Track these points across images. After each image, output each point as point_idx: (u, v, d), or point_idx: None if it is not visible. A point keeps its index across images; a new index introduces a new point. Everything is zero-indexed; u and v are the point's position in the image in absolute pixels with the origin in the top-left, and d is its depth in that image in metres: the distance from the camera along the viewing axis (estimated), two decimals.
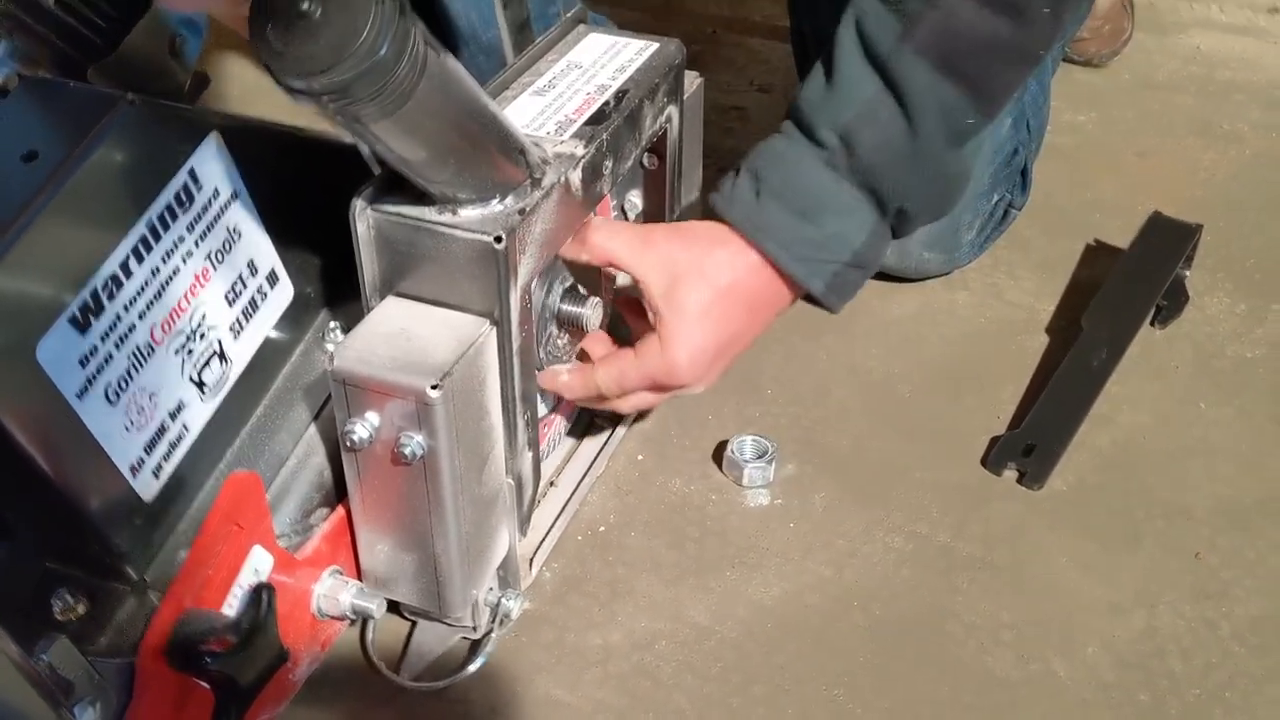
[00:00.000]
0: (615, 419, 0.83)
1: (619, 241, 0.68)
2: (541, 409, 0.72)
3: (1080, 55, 1.33)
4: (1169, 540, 0.79)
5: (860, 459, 0.85)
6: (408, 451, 0.58)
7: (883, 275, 0.98)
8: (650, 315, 0.69)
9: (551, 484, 0.79)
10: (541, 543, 0.75)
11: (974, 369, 0.93)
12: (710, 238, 0.70)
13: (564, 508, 0.78)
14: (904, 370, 0.93)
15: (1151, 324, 0.97)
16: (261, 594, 0.55)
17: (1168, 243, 0.99)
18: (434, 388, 0.56)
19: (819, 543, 0.79)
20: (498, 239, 0.58)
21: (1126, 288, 0.95)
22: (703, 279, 0.68)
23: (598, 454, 0.82)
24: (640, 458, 0.85)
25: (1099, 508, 0.81)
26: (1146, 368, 0.93)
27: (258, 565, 0.58)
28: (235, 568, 0.56)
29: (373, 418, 0.58)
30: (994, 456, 0.84)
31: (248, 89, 1.03)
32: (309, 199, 0.65)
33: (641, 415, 0.86)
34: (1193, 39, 1.42)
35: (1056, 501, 0.82)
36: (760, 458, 0.82)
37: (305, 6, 0.45)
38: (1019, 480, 0.83)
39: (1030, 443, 0.84)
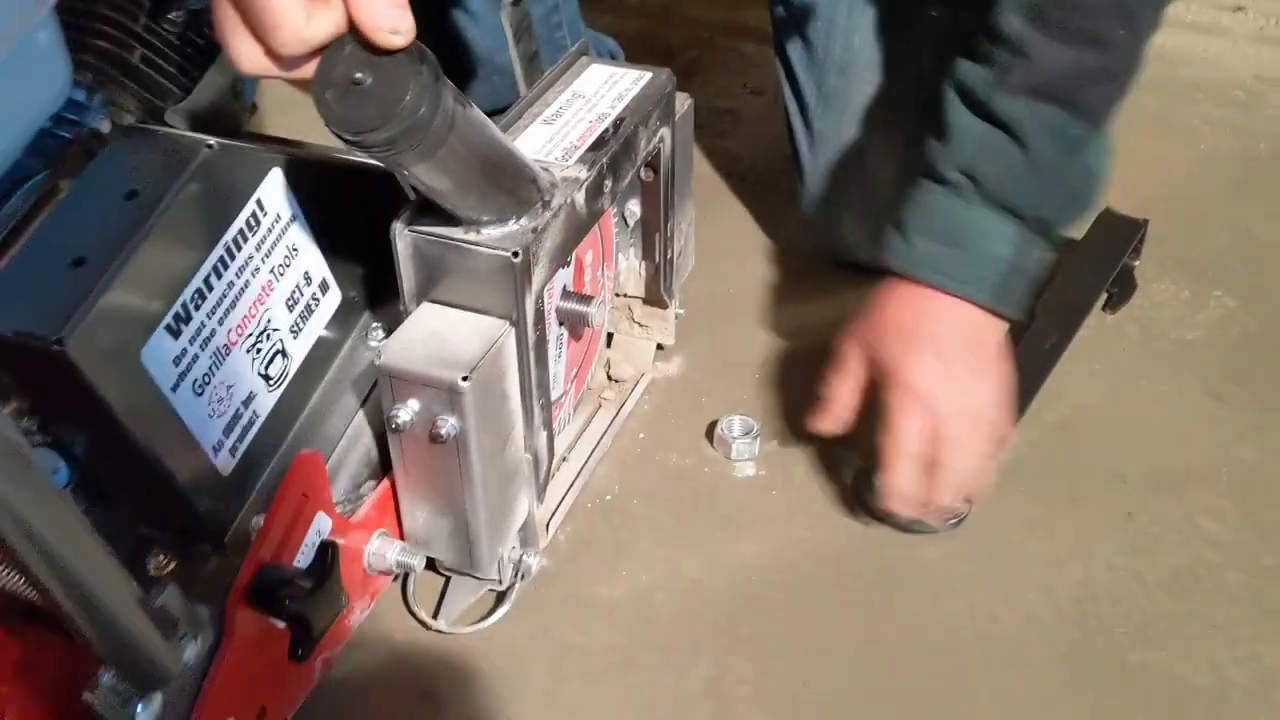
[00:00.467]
0: (622, 381, 0.95)
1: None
2: (554, 392, 0.83)
3: None
4: (1105, 502, 0.90)
5: (834, 436, 0.96)
6: (443, 432, 0.69)
7: (859, 268, 1.09)
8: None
9: (564, 459, 0.90)
10: (556, 510, 0.86)
11: None
12: (889, 308, 0.80)
13: (575, 479, 0.89)
14: None
15: (1103, 309, 1.08)
16: (329, 550, 0.67)
17: (1115, 236, 1.09)
18: (464, 379, 0.68)
19: (797, 508, 0.90)
20: (515, 254, 0.69)
21: (1076, 278, 1.06)
22: (913, 350, 0.78)
23: (604, 433, 0.93)
24: (641, 436, 0.96)
25: (1044, 474, 0.92)
26: (1095, 349, 1.04)
27: (320, 528, 0.69)
28: (303, 530, 0.68)
29: (413, 404, 0.70)
30: None
31: (282, 106, 1.16)
32: (353, 218, 0.76)
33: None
34: (1158, 38, 1.51)
35: (1007, 469, 0.92)
36: (746, 435, 0.93)
37: (359, 77, 0.56)
38: None
39: None
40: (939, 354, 0.79)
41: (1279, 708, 0.76)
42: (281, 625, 0.67)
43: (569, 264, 0.81)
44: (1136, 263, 1.11)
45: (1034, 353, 1.00)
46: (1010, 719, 0.75)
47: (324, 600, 0.66)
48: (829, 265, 1.10)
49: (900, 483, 0.79)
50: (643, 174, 0.88)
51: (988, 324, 0.81)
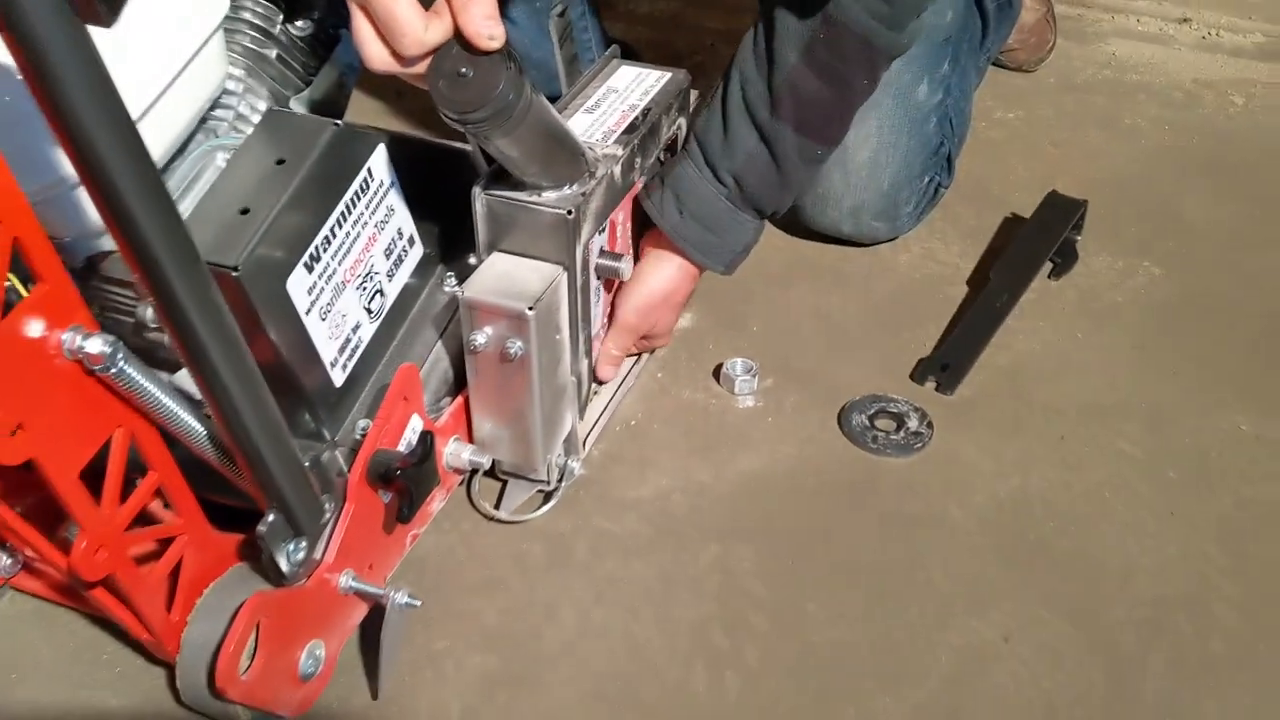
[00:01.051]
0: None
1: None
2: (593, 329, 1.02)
3: (1011, 63, 1.62)
4: (1043, 429, 1.09)
5: (820, 375, 1.15)
6: (512, 352, 0.88)
7: (841, 241, 1.29)
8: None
9: (596, 392, 1.09)
10: (591, 431, 1.05)
11: (909, 311, 1.23)
12: (658, 270, 1.07)
13: (606, 408, 1.08)
14: (856, 312, 1.23)
15: (1049, 277, 1.27)
16: (428, 436, 0.86)
17: (1059, 214, 1.29)
18: (530, 309, 0.87)
19: (788, 432, 1.09)
20: (569, 212, 0.88)
21: (1025, 248, 1.25)
22: (665, 310, 1.08)
23: (629, 372, 1.12)
24: (659, 375, 1.15)
25: (993, 408, 1.11)
26: (1040, 309, 1.23)
27: (414, 425, 0.88)
28: (404, 425, 0.87)
29: (489, 330, 0.89)
30: (918, 372, 1.14)
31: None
32: (433, 189, 0.94)
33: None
34: (1110, 46, 1.71)
35: (963, 404, 1.12)
36: (747, 373, 1.12)
37: (463, 71, 0.75)
38: (936, 388, 1.13)
39: (945, 362, 1.15)
40: (675, 311, 1.11)
41: (1173, 582, 0.95)
42: (387, 499, 0.86)
43: (604, 229, 1.00)
44: (1079, 237, 1.30)
45: (987, 309, 1.19)
46: (955, 588, 0.95)
47: (424, 475, 0.85)
48: (811, 234, 1.28)
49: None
50: (662, 156, 1.08)
51: (696, 281, 1.10)
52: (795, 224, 1.28)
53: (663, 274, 1.07)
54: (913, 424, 1.08)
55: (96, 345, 0.65)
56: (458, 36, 0.75)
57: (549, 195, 0.89)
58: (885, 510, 1.01)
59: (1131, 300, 1.24)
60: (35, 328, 0.63)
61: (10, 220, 0.60)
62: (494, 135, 0.79)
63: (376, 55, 0.76)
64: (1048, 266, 1.27)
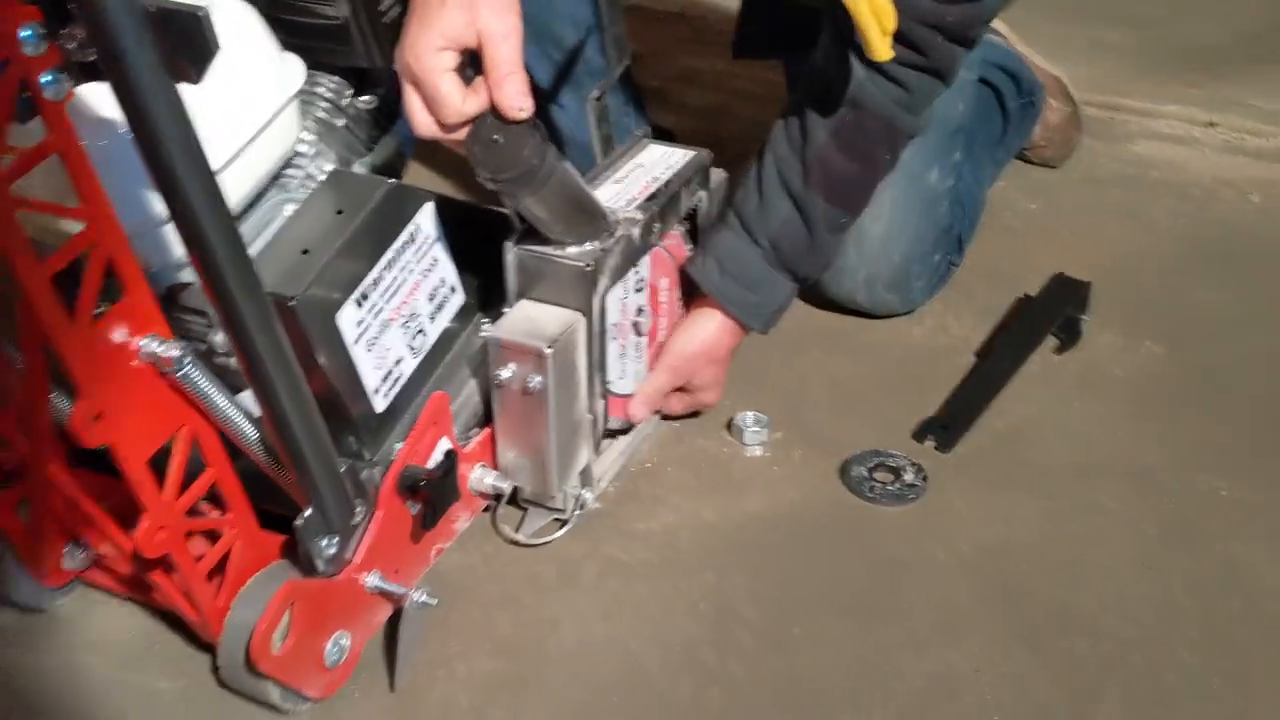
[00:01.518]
0: None
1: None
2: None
3: (1038, 159, 1.71)
4: (1031, 487, 1.16)
5: (827, 431, 1.24)
6: (531, 386, 1.00)
7: (856, 312, 1.39)
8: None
9: (615, 439, 1.20)
10: (607, 472, 1.16)
11: (916, 378, 1.31)
12: (700, 326, 1.17)
13: (624, 452, 1.19)
14: (866, 376, 1.32)
15: (1054, 353, 1.36)
16: (450, 455, 0.97)
17: (1064, 293, 1.37)
18: (548, 348, 0.98)
19: (792, 480, 1.18)
20: (588, 265, 1.00)
21: (1028, 322, 1.34)
22: (706, 363, 1.18)
23: (650, 421, 1.22)
24: (676, 425, 1.25)
25: (987, 466, 1.19)
26: (1042, 380, 1.31)
27: (443, 447, 1.00)
28: (433, 447, 0.98)
29: (512, 366, 1.00)
30: (918, 430, 1.23)
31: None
32: (474, 247, 1.07)
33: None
34: (1136, 146, 1.79)
35: (959, 461, 1.20)
36: (757, 425, 1.22)
37: (496, 138, 0.88)
38: (935, 447, 1.21)
39: (945, 423, 1.23)
40: (720, 368, 1.20)
41: (1138, 624, 1.01)
42: (415, 512, 0.97)
43: (643, 289, 1.12)
44: (1085, 317, 1.38)
45: (988, 376, 1.28)
46: (933, 621, 1.02)
47: (446, 487, 0.96)
48: (829, 305, 1.38)
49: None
50: (687, 225, 1.19)
51: (739, 339, 1.20)
52: (814, 295, 1.38)
53: (704, 329, 1.17)
54: (909, 477, 1.17)
55: (169, 350, 0.78)
56: (493, 109, 0.88)
57: (571, 250, 1.01)
58: (875, 551, 1.10)
59: (1130, 375, 1.32)
60: (119, 333, 0.76)
61: (105, 242, 0.73)
62: (521, 194, 0.92)
63: (423, 123, 0.90)
64: (1054, 343, 1.35)
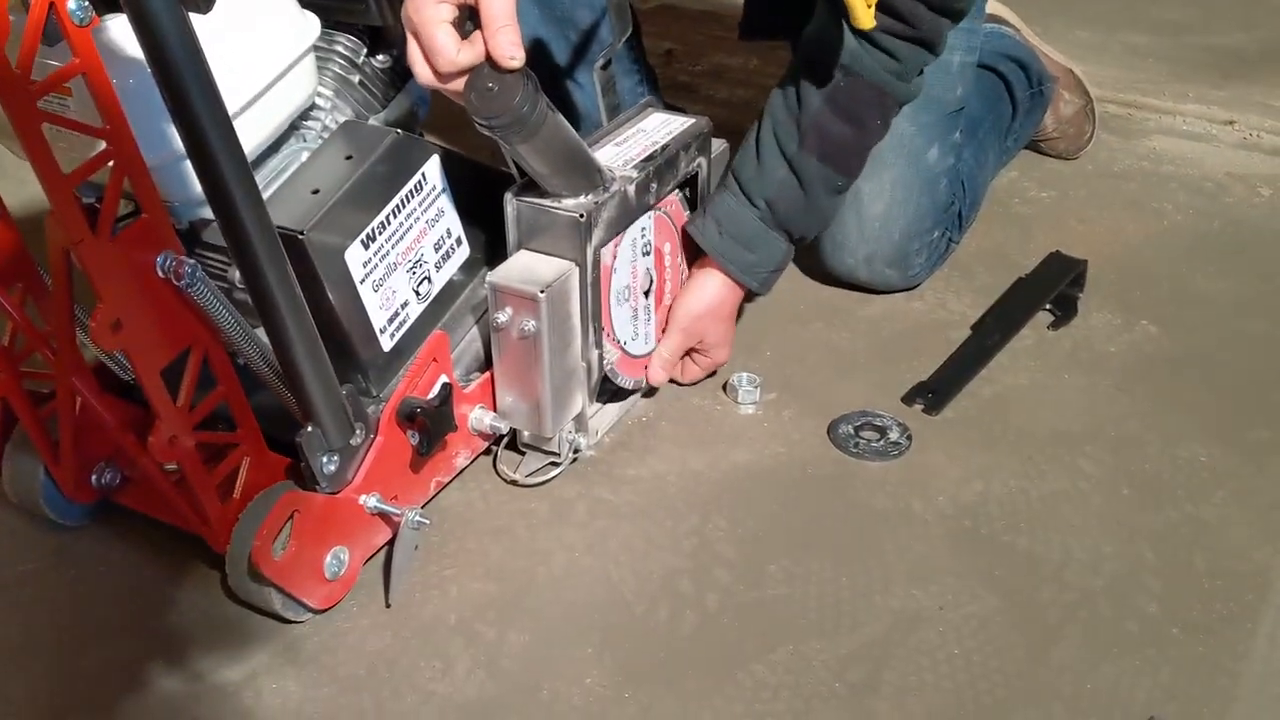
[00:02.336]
0: None
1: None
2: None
3: (1052, 151, 1.75)
4: (1012, 448, 1.20)
5: (820, 395, 1.28)
6: (526, 330, 1.06)
7: (856, 288, 1.44)
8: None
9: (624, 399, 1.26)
10: (604, 425, 1.21)
11: (911, 348, 1.35)
12: (704, 286, 1.22)
13: (623, 407, 1.24)
14: (863, 347, 1.37)
15: (1048, 328, 1.39)
16: (447, 387, 1.04)
17: (1059, 270, 1.41)
18: (541, 292, 1.05)
19: (780, 436, 1.23)
20: (581, 215, 1.06)
21: (1021, 295, 1.38)
22: (714, 321, 1.23)
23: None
24: (676, 386, 1.31)
25: (971, 429, 1.23)
26: (1033, 353, 1.35)
27: (441, 383, 1.06)
28: (432, 382, 1.05)
29: (509, 310, 1.07)
30: (907, 394, 1.27)
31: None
32: (480, 203, 1.14)
33: None
34: (1152, 142, 1.82)
35: (946, 423, 1.24)
36: (751, 385, 1.27)
37: (490, 86, 0.95)
38: (923, 410, 1.26)
39: (933, 388, 1.28)
40: (729, 328, 1.26)
41: (1104, 575, 1.05)
42: (414, 440, 1.03)
43: (649, 253, 1.18)
44: (1080, 294, 1.42)
45: (978, 345, 1.32)
46: (903, 564, 1.07)
47: (442, 416, 1.02)
48: (831, 281, 1.43)
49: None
50: (687, 192, 1.25)
51: (743, 291, 1.24)
52: (817, 271, 1.44)
53: (707, 288, 1.23)
54: (894, 435, 1.21)
55: (182, 266, 0.85)
56: (488, 59, 0.95)
57: (567, 202, 1.07)
58: (855, 502, 1.14)
59: (1122, 351, 1.35)
60: (138, 248, 0.84)
61: (125, 162, 0.81)
62: (514, 139, 0.98)
63: (422, 72, 0.97)
64: (1049, 319, 1.39)
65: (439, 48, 0.94)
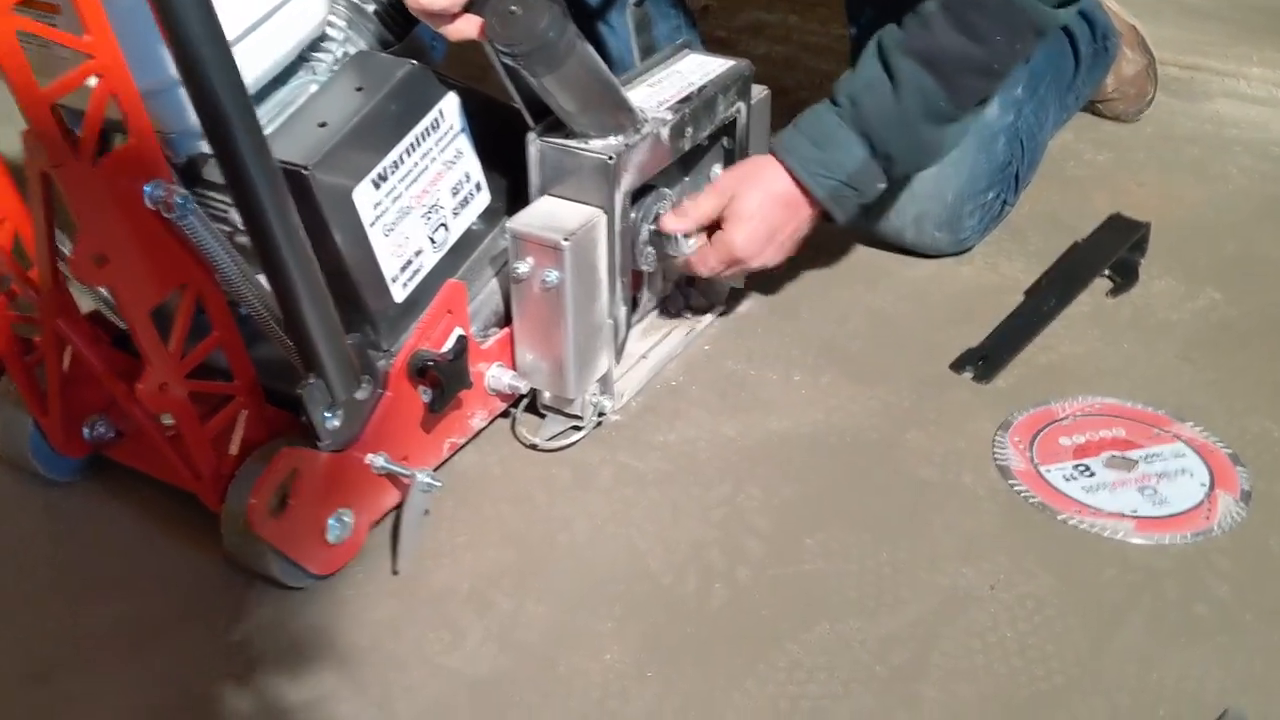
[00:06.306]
0: (700, 312, 1.22)
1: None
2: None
3: (1110, 113, 1.66)
4: None
5: (862, 360, 1.20)
6: (548, 282, 0.98)
7: (905, 250, 1.35)
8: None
9: (644, 357, 1.18)
10: (630, 388, 1.14)
11: (960, 313, 1.27)
12: (757, 162, 1.10)
13: (651, 370, 1.17)
14: (909, 311, 1.28)
15: (1108, 295, 1.31)
16: (462, 340, 0.96)
17: (1120, 233, 1.32)
18: (565, 240, 0.97)
19: (818, 402, 1.15)
20: (610, 158, 0.98)
21: (1080, 258, 1.30)
22: (752, 188, 1.08)
23: (678, 343, 1.20)
24: (706, 348, 1.22)
25: (1023, 398, 1.15)
26: (1092, 322, 1.26)
27: (457, 336, 0.99)
28: (447, 334, 0.97)
29: (530, 260, 0.99)
30: (956, 361, 1.19)
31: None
32: (503, 147, 1.06)
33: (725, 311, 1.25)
34: (1215, 105, 1.73)
35: (996, 393, 1.16)
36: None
37: (514, 9, 0.87)
38: (973, 378, 1.18)
39: (984, 354, 1.19)
40: (766, 219, 1.08)
41: (1172, 556, 0.97)
42: (426, 397, 0.96)
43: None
44: (1141, 260, 1.33)
45: (1033, 310, 1.24)
46: (952, 540, 0.99)
47: (456, 371, 0.95)
48: (877, 244, 1.35)
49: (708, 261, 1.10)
50: (725, 141, 1.17)
51: (807, 215, 1.10)
52: (860, 233, 1.35)
53: (760, 163, 1.10)
54: None
55: (172, 196, 0.78)
56: None
57: (595, 144, 0.99)
58: (899, 472, 1.06)
59: (1187, 319, 1.26)
60: (124, 175, 0.77)
61: (111, 78, 0.74)
62: (539, 70, 0.91)
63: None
64: (1108, 285, 1.30)
65: None
